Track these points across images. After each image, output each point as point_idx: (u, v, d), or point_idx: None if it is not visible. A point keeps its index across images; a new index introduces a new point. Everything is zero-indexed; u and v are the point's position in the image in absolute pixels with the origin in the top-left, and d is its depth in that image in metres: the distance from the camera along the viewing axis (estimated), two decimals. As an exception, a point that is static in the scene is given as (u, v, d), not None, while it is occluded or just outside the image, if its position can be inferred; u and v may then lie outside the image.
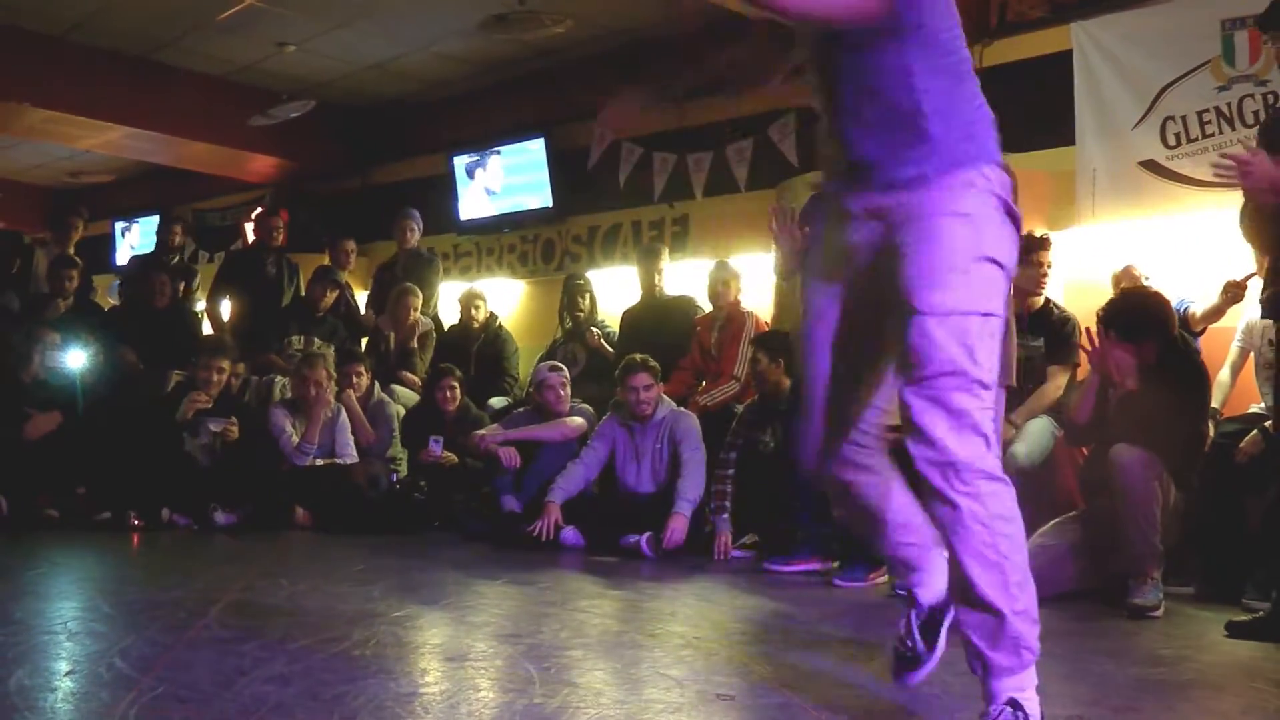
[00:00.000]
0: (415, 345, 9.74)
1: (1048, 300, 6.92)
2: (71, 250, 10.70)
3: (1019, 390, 6.72)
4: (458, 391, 8.34)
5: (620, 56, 10.64)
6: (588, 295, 9.59)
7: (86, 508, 7.41)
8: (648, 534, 6.72)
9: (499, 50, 10.80)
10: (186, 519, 7.42)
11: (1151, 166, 7.35)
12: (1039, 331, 6.81)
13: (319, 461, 7.87)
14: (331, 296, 9.81)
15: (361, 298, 11.16)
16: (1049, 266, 6.86)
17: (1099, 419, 5.62)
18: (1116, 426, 5.44)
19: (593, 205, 11.04)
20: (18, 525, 7.04)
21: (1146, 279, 6.88)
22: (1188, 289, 6.84)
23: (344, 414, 8.09)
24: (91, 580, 5.77)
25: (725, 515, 6.83)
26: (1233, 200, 4.96)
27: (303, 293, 10.26)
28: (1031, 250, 6.81)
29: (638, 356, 7.34)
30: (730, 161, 10.02)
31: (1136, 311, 5.59)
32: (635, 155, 10.70)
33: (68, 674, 3.48)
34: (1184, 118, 7.24)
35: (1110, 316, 5.63)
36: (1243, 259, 6.23)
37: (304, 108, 11.79)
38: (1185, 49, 7.24)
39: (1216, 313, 6.62)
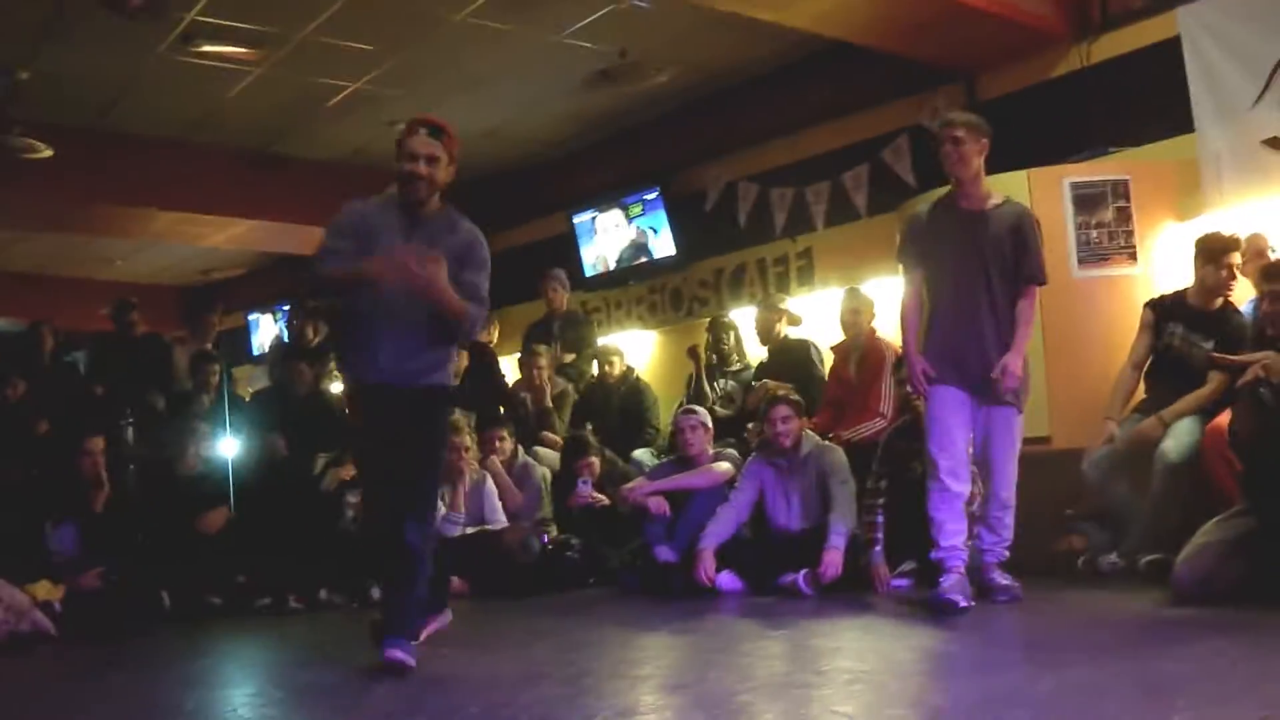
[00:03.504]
0: (551, 405, 9.77)
1: (1227, 302, 6.73)
2: (210, 346, 10.92)
3: (1172, 385, 6.58)
4: (596, 465, 8.34)
5: (723, 96, 10.69)
6: (732, 333, 9.65)
7: (246, 594, 7.50)
8: (804, 571, 6.65)
9: (606, 105, 10.88)
10: (345, 597, 7.48)
11: (1275, 144, 7.18)
12: (1211, 333, 6.59)
13: (469, 530, 7.91)
14: (463, 364, 9.87)
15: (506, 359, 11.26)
16: (1236, 267, 6.67)
17: (1261, 425, 5.45)
18: (1275, 417, 5.28)
19: (716, 248, 11.07)
20: (181, 617, 7.14)
21: (1274, 251, 6.72)
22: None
23: (490, 480, 8.12)
24: (257, 666, 5.85)
25: (878, 548, 6.74)
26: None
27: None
28: (1223, 252, 6.64)
29: (780, 390, 7.35)
30: (848, 189, 9.97)
31: None
32: (752, 193, 10.70)
33: (245, 762, 3.52)
34: (1303, 90, 7.08)
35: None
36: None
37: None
38: (1296, 20, 7.09)
39: None
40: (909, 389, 6.38)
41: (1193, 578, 5.32)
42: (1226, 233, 6.73)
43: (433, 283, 4.86)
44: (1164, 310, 6.81)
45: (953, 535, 5.68)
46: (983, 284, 5.79)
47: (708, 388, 9.44)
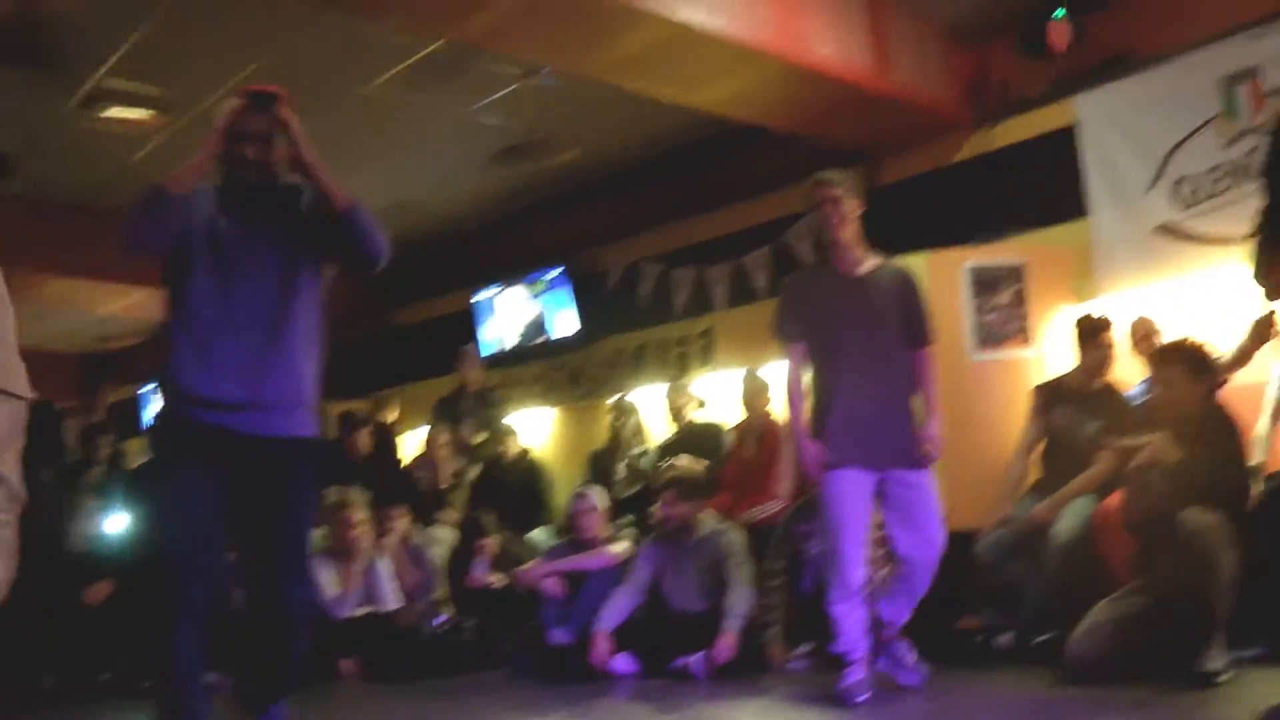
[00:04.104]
0: (449, 484, 9.70)
1: (1109, 381, 6.84)
2: (102, 417, 10.73)
3: (1064, 467, 6.64)
4: (493, 547, 8.24)
5: (628, 175, 10.73)
6: (633, 417, 9.67)
7: (131, 675, 7.33)
8: (699, 654, 6.59)
9: (512, 181, 10.91)
10: (233, 679, 7.31)
11: (1167, 229, 7.34)
12: (1097, 413, 6.67)
13: (361, 610, 7.77)
14: (367, 441, 9.78)
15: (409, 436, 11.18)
16: (1113, 346, 6.80)
17: (1151, 507, 5.51)
18: (1166, 498, 5.35)
19: (617, 327, 11.06)
20: (65, 697, 6.96)
21: (1161, 334, 6.83)
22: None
23: (384, 559, 8.00)
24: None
25: (775, 628, 6.72)
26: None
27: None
28: (1095, 332, 6.76)
29: (677, 472, 7.27)
30: (749, 271, 10.02)
31: (1197, 349, 5.70)
32: (655, 273, 10.73)
33: None
34: (1195, 177, 7.22)
35: (1174, 351, 5.66)
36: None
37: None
38: (1189, 109, 7.27)
39: (1244, 356, 6.49)
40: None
41: (1086, 657, 5.34)
42: (1097, 313, 6.90)
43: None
44: (1050, 394, 6.90)
45: (853, 628, 5.48)
46: (879, 350, 5.59)
47: (618, 466, 9.41)
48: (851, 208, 5.60)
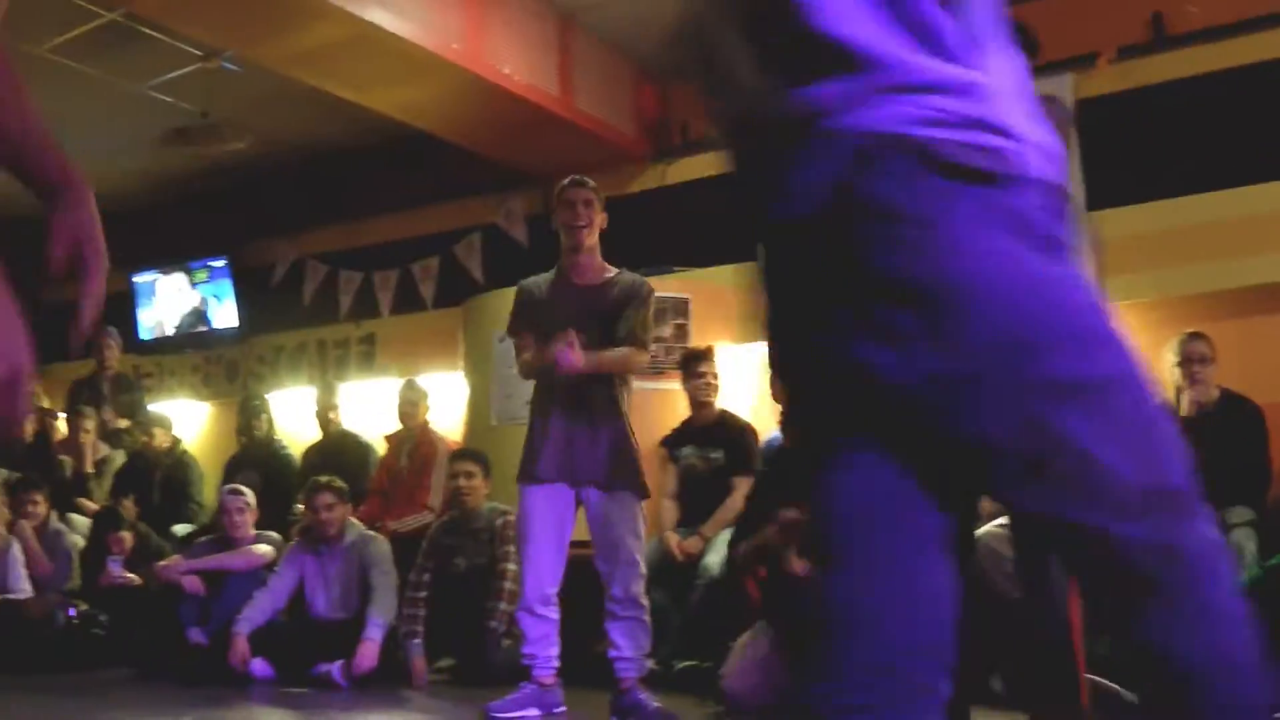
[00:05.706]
0: (92, 470, 9.35)
1: (723, 411, 7.11)
2: None
3: (704, 503, 6.83)
4: (127, 541, 7.91)
5: (300, 171, 10.55)
6: (264, 416, 9.42)
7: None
8: (339, 662, 6.52)
9: (181, 165, 10.54)
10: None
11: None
12: (718, 443, 6.95)
13: (-11, 597, 7.44)
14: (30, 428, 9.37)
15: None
16: (714, 376, 7.05)
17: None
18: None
19: (278, 324, 10.86)
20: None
21: None
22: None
23: (17, 546, 7.66)
24: None
25: (418, 640, 6.66)
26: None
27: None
28: (696, 362, 6.98)
29: (323, 478, 7.17)
30: (416, 279, 9.98)
31: None
32: (321, 273, 10.58)
33: None
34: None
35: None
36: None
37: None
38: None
39: None
40: None
41: (742, 687, 5.44)
42: (701, 345, 7.21)
43: None
44: (674, 440, 7.18)
45: (538, 640, 5.35)
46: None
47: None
48: (599, 217, 5.42)
